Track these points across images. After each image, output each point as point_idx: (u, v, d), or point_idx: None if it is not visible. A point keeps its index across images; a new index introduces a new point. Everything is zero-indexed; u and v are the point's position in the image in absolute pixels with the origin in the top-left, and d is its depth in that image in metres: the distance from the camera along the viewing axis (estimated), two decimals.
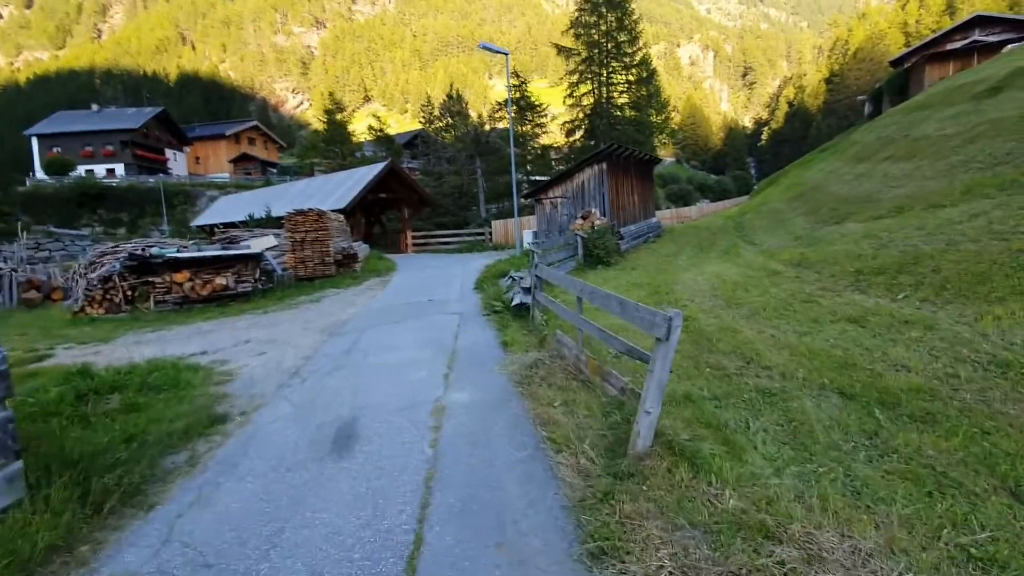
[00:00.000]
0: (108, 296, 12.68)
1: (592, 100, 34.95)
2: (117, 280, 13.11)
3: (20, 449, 2.86)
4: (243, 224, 22.07)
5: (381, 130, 44.26)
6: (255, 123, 71.24)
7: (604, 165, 17.03)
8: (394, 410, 4.62)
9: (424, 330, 8.05)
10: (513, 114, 18.96)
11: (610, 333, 4.52)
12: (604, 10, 32.88)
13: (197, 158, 66.30)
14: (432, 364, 6.16)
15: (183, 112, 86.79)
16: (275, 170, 61.42)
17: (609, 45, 33.87)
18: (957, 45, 35.05)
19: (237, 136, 66.66)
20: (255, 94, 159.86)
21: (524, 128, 32.49)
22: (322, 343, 7.83)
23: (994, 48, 31.67)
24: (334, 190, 23.81)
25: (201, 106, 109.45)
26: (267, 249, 15.06)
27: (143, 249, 13.04)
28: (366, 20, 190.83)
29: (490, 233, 25.47)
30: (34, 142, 52.95)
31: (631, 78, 34.78)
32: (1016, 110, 11.85)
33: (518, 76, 34.24)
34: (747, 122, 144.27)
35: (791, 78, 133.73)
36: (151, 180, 49.68)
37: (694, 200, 65.73)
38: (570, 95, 35.28)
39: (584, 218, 17.11)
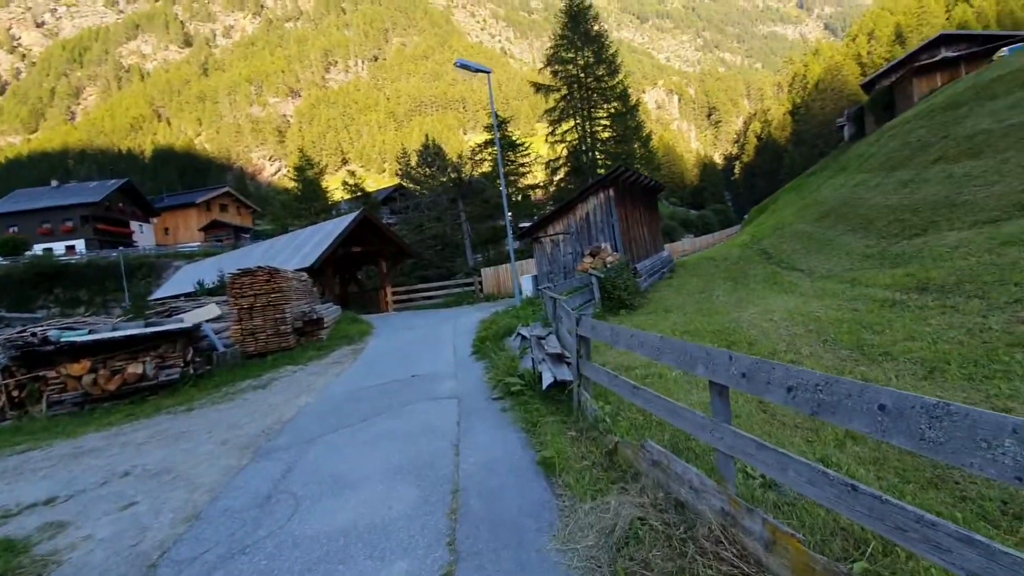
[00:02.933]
0: None
1: (576, 136, 33.24)
2: (1, 377, 9.93)
3: None
4: (192, 294, 19.01)
5: (356, 185, 42.13)
6: (226, 189, 69.01)
7: (611, 192, 14.53)
8: None
9: (404, 438, 5.01)
10: (500, 140, 16.61)
11: (907, 506, 1.58)
12: (580, 43, 31.66)
13: (166, 229, 63.49)
14: (418, 531, 3.13)
15: (158, 185, 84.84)
16: (248, 235, 58.76)
17: (589, 80, 32.50)
18: (937, 59, 34.85)
19: (208, 204, 64.21)
20: (232, 164, 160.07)
21: (506, 168, 30.40)
22: (234, 475, 4.73)
23: (978, 57, 31.43)
24: (300, 247, 21.00)
25: (176, 179, 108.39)
26: (208, 321, 12.01)
27: (34, 333, 9.92)
28: (340, 87, 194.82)
29: (480, 282, 22.68)
30: None
31: (612, 111, 33.29)
32: None
33: (498, 116, 32.50)
34: (717, 158, 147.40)
35: (756, 114, 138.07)
36: (114, 254, 46.56)
37: (679, 235, 64.55)
38: (551, 132, 33.56)
39: (593, 255, 14.43)
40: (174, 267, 44.81)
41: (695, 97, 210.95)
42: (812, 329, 6.92)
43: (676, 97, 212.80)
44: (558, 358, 5.58)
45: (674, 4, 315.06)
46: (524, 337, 8.84)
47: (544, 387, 5.02)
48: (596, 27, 32.51)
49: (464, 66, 13.39)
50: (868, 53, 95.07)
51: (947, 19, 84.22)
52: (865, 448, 3.51)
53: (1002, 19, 73.74)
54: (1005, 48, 28.05)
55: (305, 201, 39.62)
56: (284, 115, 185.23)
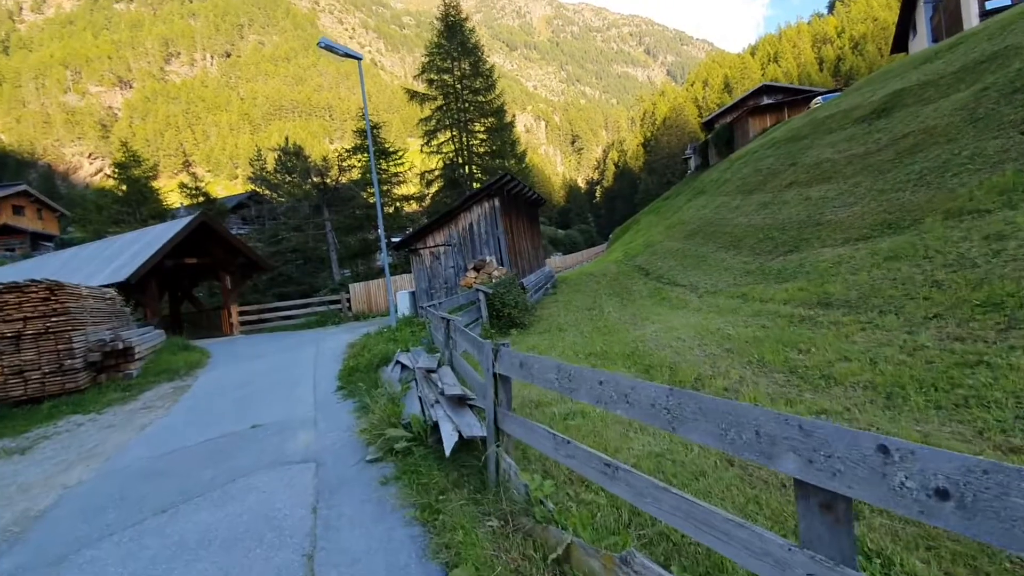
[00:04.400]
0: None
1: (452, 148, 32.13)
2: None
3: None
4: None
5: (198, 189, 36.51)
6: (23, 187, 56.26)
7: (496, 201, 13.47)
8: None
9: (224, 546, 3.17)
10: (372, 142, 14.82)
11: None
12: (457, 54, 30.80)
13: None
14: None
15: None
16: (51, 244, 48.31)
17: (465, 92, 31.71)
18: (766, 103, 40.20)
19: None
20: (36, 160, 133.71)
21: (379, 176, 28.18)
22: None
23: (798, 103, 36.99)
24: (114, 257, 16.90)
25: None
26: None
27: None
28: (183, 81, 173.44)
29: (348, 300, 20.22)
30: None
31: (489, 125, 32.81)
32: (941, 119, 11.02)
33: (370, 120, 30.18)
34: (581, 182, 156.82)
35: (613, 144, 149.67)
36: None
37: (549, 253, 66.83)
38: (427, 143, 32.06)
39: (478, 269, 13.24)
40: None
41: (560, 124, 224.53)
42: (729, 349, 6.31)
43: (543, 123, 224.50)
44: (458, 401, 4.14)
45: (540, 37, 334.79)
46: (405, 367, 7.23)
47: (448, 450, 3.51)
48: (473, 40, 31.98)
49: (329, 47, 11.46)
50: (703, 97, 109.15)
51: (762, 75, 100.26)
52: (895, 521, 2.58)
53: (801, 78, 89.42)
54: (819, 97, 33.05)
55: (129, 204, 33.15)
56: (110, 107, 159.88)
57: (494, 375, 3.19)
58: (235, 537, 3.25)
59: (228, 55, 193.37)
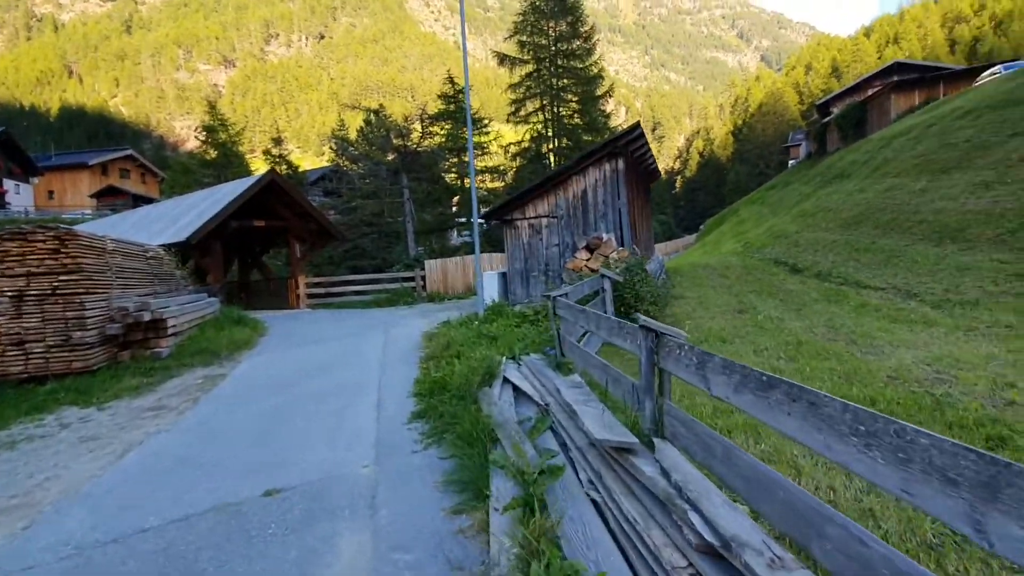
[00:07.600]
0: None
1: (541, 119, 29.09)
2: None
3: None
4: None
5: (282, 157, 36.01)
6: (129, 152, 59.62)
7: (620, 163, 10.36)
8: None
9: None
10: (468, 104, 12.09)
11: None
12: (554, 12, 27.51)
13: (51, 192, 53.71)
14: None
15: (65, 147, 72.91)
16: (150, 206, 50.42)
17: (559, 57, 28.45)
18: (915, 77, 34.74)
19: (104, 167, 54.89)
20: (151, 131, 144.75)
21: (463, 144, 25.72)
22: None
23: (958, 77, 31.42)
24: (181, 216, 15.48)
25: (85, 142, 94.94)
26: None
27: None
28: (280, 61, 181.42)
29: (423, 278, 17.95)
30: None
31: (582, 94, 29.29)
32: None
33: (453, 83, 27.84)
34: (660, 172, 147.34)
35: (698, 132, 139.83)
36: None
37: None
38: (514, 113, 29.20)
39: (591, 249, 10.26)
40: None
41: (641, 111, 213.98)
42: None
43: (624, 109, 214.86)
44: None
45: (626, 20, 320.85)
46: (521, 391, 4.42)
47: None
48: None
49: None
50: (806, 83, 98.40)
51: (879, 58, 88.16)
52: None
53: (927, 60, 77.48)
54: (999, 67, 26.91)
55: (215, 168, 32.95)
56: (215, 84, 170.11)
57: None
58: None
59: (322, 36, 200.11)
